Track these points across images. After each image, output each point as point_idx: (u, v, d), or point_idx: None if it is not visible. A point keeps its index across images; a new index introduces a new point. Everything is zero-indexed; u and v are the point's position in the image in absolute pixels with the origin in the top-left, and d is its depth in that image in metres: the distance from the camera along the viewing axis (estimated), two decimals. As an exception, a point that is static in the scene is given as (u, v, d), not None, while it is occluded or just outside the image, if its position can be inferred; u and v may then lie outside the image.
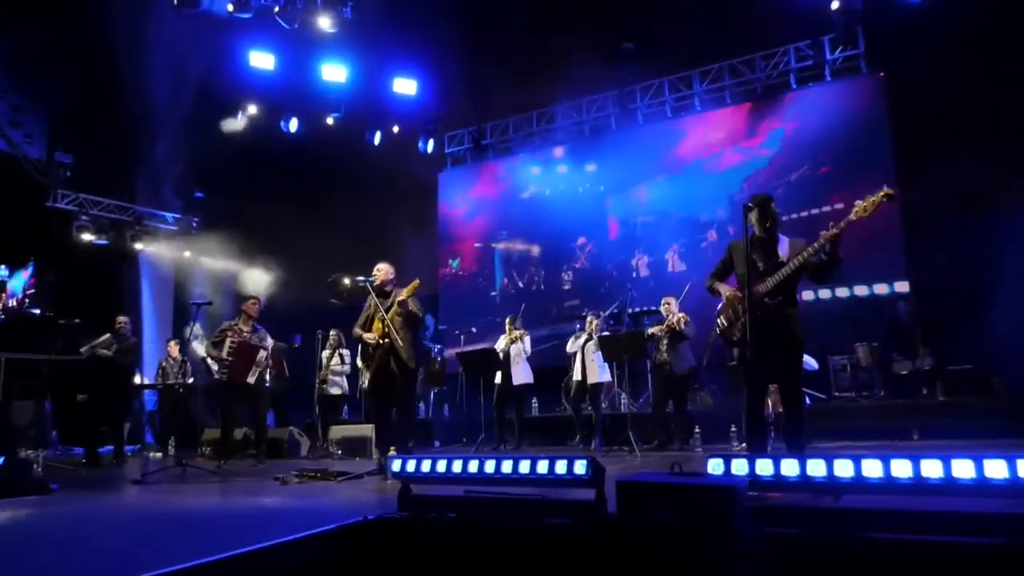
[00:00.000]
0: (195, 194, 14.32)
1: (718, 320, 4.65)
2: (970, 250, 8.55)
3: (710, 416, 8.61)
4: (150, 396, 11.79)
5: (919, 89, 9.77)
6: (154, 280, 14.05)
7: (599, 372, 8.77)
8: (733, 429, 7.63)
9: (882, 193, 3.98)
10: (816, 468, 2.61)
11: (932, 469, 2.44)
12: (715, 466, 2.77)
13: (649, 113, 12.53)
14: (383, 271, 6.31)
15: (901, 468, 2.49)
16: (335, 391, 9.80)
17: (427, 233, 14.15)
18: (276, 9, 10.76)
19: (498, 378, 8.95)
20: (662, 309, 8.35)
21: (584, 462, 3.07)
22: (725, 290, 4.42)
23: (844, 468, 2.58)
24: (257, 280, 13.30)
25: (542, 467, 3.18)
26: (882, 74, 10.49)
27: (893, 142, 10.19)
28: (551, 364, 10.58)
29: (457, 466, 3.41)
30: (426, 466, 3.49)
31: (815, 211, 10.51)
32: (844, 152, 10.54)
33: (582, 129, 13.17)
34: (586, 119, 13.07)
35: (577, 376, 8.95)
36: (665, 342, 8.12)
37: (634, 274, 12.16)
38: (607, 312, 10.29)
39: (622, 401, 9.68)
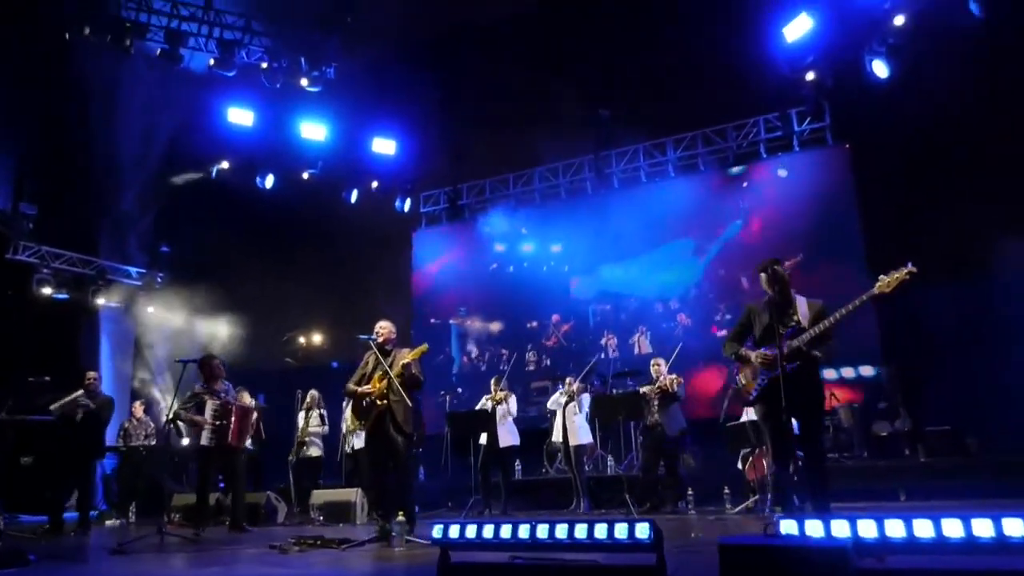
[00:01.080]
0: (161, 248, 13.97)
1: (737, 377, 4.70)
2: (940, 314, 8.90)
3: (698, 478, 8.59)
4: (108, 459, 11.18)
5: (884, 162, 10.33)
6: (114, 336, 13.52)
7: (580, 434, 8.70)
8: (727, 491, 7.62)
9: (905, 271, 4.14)
10: (895, 529, 2.61)
11: (1015, 528, 2.47)
12: (788, 527, 2.74)
13: (624, 178, 12.85)
14: (386, 329, 6.19)
15: (983, 528, 2.51)
16: (314, 452, 9.45)
17: (400, 293, 14.07)
18: (264, 65, 10.81)
19: (483, 440, 8.78)
20: (652, 370, 8.38)
21: (646, 525, 3.00)
22: (755, 356, 4.45)
23: (924, 528, 2.58)
24: (223, 338, 12.96)
25: (600, 531, 3.09)
26: (848, 146, 11.04)
27: (861, 213, 10.65)
28: (533, 426, 10.48)
29: (505, 531, 3.29)
30: (470, 531, 3.36)
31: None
32: (814, 223, 10.87)
33: (558, 192, 13.41)
34: (562, 182, 13.33)
35: (557, 437, 8.85)
36: (656, 403, 8.11)
37: (602, 355, 11.95)
38: (583, 373, 10.23)
39: (608, 463, 9.60)
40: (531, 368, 12.79)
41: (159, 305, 13.59)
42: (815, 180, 11.16)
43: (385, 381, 5.92)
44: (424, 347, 5.99)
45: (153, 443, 10.78)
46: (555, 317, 12.85)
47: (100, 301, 13.02)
